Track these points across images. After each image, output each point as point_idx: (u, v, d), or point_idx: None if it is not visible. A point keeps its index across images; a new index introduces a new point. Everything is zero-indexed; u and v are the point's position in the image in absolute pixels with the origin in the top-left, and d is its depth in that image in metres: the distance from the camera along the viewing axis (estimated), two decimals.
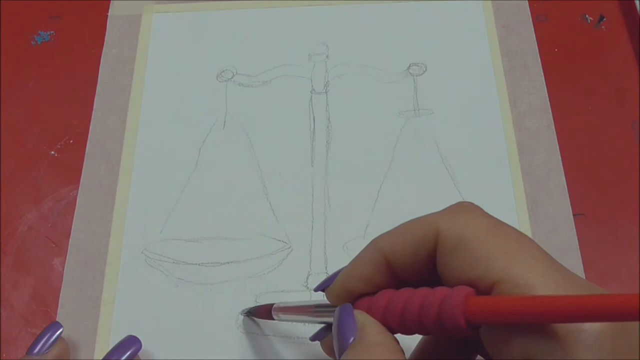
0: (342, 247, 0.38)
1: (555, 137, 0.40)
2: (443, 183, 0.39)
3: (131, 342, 0.33)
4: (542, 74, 0.43)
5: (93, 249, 0.38)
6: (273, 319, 0.30)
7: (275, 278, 0.37)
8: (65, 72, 0.45)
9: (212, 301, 0.36)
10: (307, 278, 0.37)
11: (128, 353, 0.32)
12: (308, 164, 0.40)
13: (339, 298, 0.24)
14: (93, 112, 0.43)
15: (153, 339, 0.35)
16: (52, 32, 0.47)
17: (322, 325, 0.27)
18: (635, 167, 0.40)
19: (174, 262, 0.38)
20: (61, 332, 0.34)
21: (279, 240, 0.38)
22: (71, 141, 0.42)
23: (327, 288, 0.25)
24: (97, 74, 0.44)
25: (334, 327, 0.23)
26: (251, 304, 0.36)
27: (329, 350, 0.27)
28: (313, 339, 0.28)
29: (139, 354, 0.33)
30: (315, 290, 0.27)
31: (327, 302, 0.26)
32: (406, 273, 0.23)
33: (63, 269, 0.38)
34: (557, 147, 0.40)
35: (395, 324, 0.22)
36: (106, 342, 0.35)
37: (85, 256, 0.38)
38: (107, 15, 0.46)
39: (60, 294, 0.37)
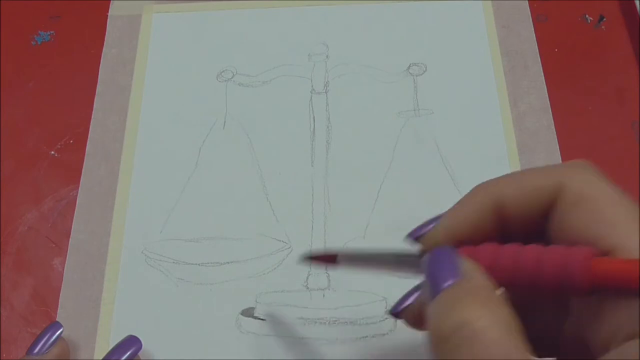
0: (342, 247, 0.38)
1: (555, 137, 0.40)
2: (443, 183, 0.39)
3: (131, 342, 0.33)
4: (542, 74, 0.43)
5: (93, 249, 0.38)
6: (337, 266, 0.27)
7: (275, 278, 0.37)
8: (65, 72, 0.45)
9: (212, 301, 0.36)
10: (307, 278, 0.37)
11: (128, 353, 0.32)
12: (308, 164, 0.40)
13: (438, 244, 0.23)
14: (93, 112, 0.43)
15: (153, 339, 0.35)
16: (52, 32, 0.47)
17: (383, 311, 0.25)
18: (635, 167, 0.40)
19: (174, 262, 0.38)
20: (61, 332, 0.34)
21: (279, 240, 0.38)
22: (71, 141, 0.42)
23: (424, 235, 0.23)
24: (97, 74, 0.44)
25: (428, 270, 0.21)
26: (251, 304, 0.36)
27: (415, 319, 0.25)
28: (395, 310, 0.25)
29: (139, 354, 0.33)
30: (409, 236, 0.24)
31: (410, 250, 0.24)
32: (514, 223, 0.21)
33: (63, 269, 0.38)
34: (557, 147, 0.40)
35: (502, 278, 0.20)
36: (106, 342, 0.35)
37: (85, 256, 0.38)
38: (107, 15, 0.46)
39: (60, 294, 0.37)
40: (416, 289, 0.24)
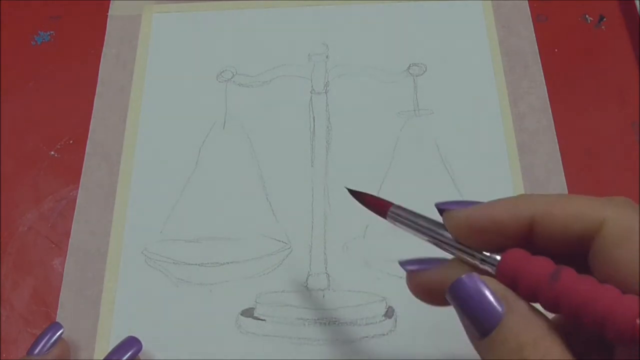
0: (342, 247, 0.38)
1: (555, 137, 0.40)
2: (443, 183, 0.39)
3: (131, 343, 0.33)
4: (542, 74, 0.43)
5: (93, 249, 0.38)
6: (384, 217, 0.26)
7: (275, 278, 0.37)
8: (65, 72, 0.45)
9: (212, 301, 0.36)
10: (307, 278, 0.37)
11: (128, 354, 0.32)
12: (308, 164, 0.40)
13: (459, 228, 0.23)
14: (93, 112, 0.43)
15: (153, 339, 0.35)
16: (52, 32, 0.47)
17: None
18: (635, 167, 0.40)
19: (174, 262, 0.38)
20: (62, 333, 0.34)
21: (279, 241, 0.38)
22: (71, 141, 0.42)
23: (450, 210, 0.23)
24: (97, 74, 0.44)
25: (467, 304, 0.21)
26: (251, 304, 0.36)
27: (419, 286, 0.24)
28: (406, 265, 0.25)
29: (139, 354, 0.33)
30: (437, 205, 0.24)
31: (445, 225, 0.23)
32: (542, 243, 0.21)
33: (63, 269, 0.38)
34: (557, 147, 0.40)
35: (536, 294, 0.20)
36: (106, 342, 0.35)
37: (85, 256, 0.38)
38: (107, 15, 0.46)
39: (60, 294, 0.37)
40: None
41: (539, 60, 0.43)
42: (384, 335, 0.35)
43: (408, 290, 0.36)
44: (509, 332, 0.20)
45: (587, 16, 0.46)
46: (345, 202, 0.39)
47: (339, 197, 0.39)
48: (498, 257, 0.22)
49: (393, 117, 0.42)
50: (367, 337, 0.35)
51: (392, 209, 0.26)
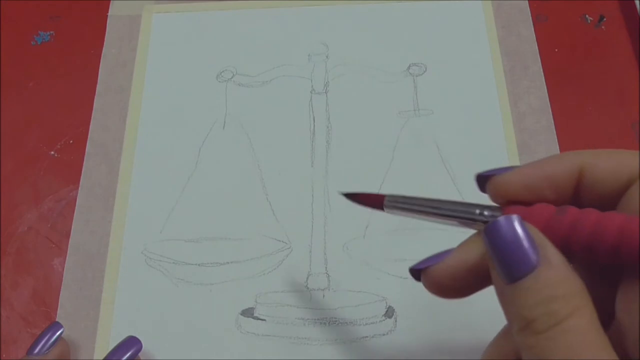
0: (342, 247, 0.38)
1: (555, 137, 0.40)
2: (443, 183, 0.39)
3: (131, 343, 0.33)
4: (542, 74, 0.43)
5: (93, 249, 0.38)
6: (382, 210, 0.26)
7: (275, 278, 0.37)
8: (65, 72, 0.45)
9: (212, 301, 0.36)
10: (307, 278, 0.37)
11: (128, 354, 0.32)
12: (308, 164, 0.40)
13: (507, 194, 0.22)
14: (93, 112, 0.43)
15: (153, 339, 0.35)
16: (52, 32, 0.47)
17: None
18: None
19: (173, 263, 0.38)
20: (62, 332, 0.34)
21: (279, 241, 0.38)
22: (71, 141, 0.42)
23: (494, 176, 0.23)
24: (97, 74, 0.44)
25: (500, 245, 0.20)
26: (251, 304, 0.36)
27: (437, 280, 0.23)
28: (417, 267, 0.23)
29: (139, 354, 0.33)
30: (478, 176, 0.24)
31: (467, 203, 0.23)
32: (587, 197, 0.21)
33: (63, 269, 0.38)
34: (557, 147, 0.40)
35: (557, 241, 0.20)
36: (106, 342, 0.35)
37: (85, 256, 0.38)
38: (107, 15, 0.46)
39: (60, 294, 0.37)
40: (445, 252, 0.23)
41: (539, 60, 0.43)
42: (384, 335, 0.35)
43: (408, 290, 0.36)
44: (543, 281, 0.19)
45: (587, 16, 0.46)
46: (345, 202, 0.39)
47: (339, 197, 0.39)
48: (499, 213, 0.22)
49: (393, 117, 0.42)
50: (367, 337, 0.35)
51: (387, 199, 0.25)
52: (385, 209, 0.26)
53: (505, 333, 0.24)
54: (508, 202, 0.22)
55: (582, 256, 0.20)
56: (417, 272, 0.24)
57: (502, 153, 0.40)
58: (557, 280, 0.19)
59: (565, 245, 0.20)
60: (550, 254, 0.19)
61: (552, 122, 0.41)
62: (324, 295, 0.36)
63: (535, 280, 0.19)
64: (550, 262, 0.19)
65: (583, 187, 0.22)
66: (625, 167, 0.21)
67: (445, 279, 0.23)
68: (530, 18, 0.45)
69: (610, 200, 0.21)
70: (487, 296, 0.23)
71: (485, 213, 0.22)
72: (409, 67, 0.43)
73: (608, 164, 0.21)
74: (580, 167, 0.22)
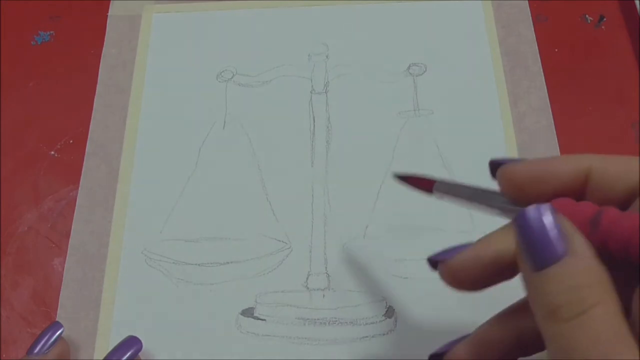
0: (342, 247, 0.38)
1: (555, 137, 0.40)
2: None
3: (131, 343, 0.33)
4: (542, 74, 0.43)
5: (93, 249, 0.38)
6: (431, 193, 0.27)
7: (275, 278, 0.37)
8: (65, 72, 0.45)
9: (212, 301, 0.36)
10: (307, 278, 0.37)
11: (128, 354, 0.32)
12: (308, 164, 0.40)
13: (516, 182, 0.23)
14: (93, 112, 0.43)
15: (153, 339, 0.35)
16: (52, 32, 0.47)
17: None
18: None
19: (173, 263, 0.38)
20: (62, 332, 0.34)
21: (279, 241, 0.38)
22: (71, 141, 0.42)
23: (508, 164, 0.23)
24: (97, 74, 0.44)
25: (529, 234, 0.20)
26: (251, 304, 0.36)
27: (457, 272, 0.23)
28: (436, 257, 0.24)
29: (139, 354, 0.33)
30: (491, 162, 0.24)
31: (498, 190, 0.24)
32: (595, 200, 0.22)
33: (63, 269, 0.38)
34: (557, 147, 0.40)
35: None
36: (106, 342, 0.35)
37: (85, 256, 0.38)
38: (107, 15, 0.46)
39: (60, 294, 0.37)
40: (464, 245, 0.23)
41: (539, 60, 0.43)
42: (384, 335, 0.35)
43: (408, 290, 0.36)
44: (569, 270, 0.19)
45: (587, 16, 0.46)
46: (345, 202, 0.40)
47: (338, 197, 0.39)
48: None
49: (393, 117, 0.42)
50: (367, 337, 0.35)
51: (436, 184, 0.27)
52: (434, 192, 0.27)
53: (499, 317, 0.24)
54: (555, 196, 0.22)
55: (619, 256, 0.20)
56: (434, 262, 0.24)
57: (502, 153, 0.40)
58: (583, 269, 0.19)
59: (604, 243, 0.20)
60: (577, 244, 0.19)
61: (552, 122, 0.41)
62: (324, 295, 0.36)
63: (562, 269, 0.19)
64: (577, 252, 0.19)
65: (590, 191, 0.22)
66: (635, 174, 0.21)
67: (463, 271, 0.23)
68: (530, 18, 0.45)
69: (617, 206, 0.21)
70: (488, 296, 0.23)
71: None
72: (409, 67, 0.43)
73: (617, 169, 0.22)
74: (588, 169, 0.22)
